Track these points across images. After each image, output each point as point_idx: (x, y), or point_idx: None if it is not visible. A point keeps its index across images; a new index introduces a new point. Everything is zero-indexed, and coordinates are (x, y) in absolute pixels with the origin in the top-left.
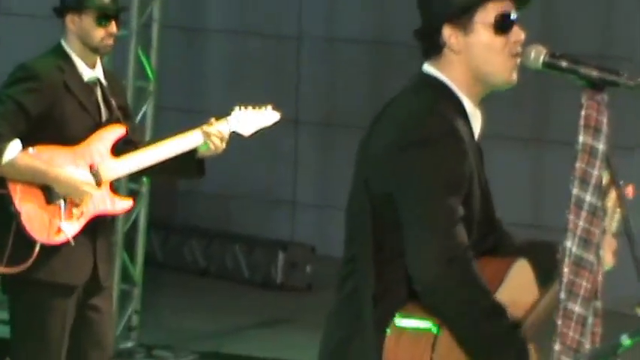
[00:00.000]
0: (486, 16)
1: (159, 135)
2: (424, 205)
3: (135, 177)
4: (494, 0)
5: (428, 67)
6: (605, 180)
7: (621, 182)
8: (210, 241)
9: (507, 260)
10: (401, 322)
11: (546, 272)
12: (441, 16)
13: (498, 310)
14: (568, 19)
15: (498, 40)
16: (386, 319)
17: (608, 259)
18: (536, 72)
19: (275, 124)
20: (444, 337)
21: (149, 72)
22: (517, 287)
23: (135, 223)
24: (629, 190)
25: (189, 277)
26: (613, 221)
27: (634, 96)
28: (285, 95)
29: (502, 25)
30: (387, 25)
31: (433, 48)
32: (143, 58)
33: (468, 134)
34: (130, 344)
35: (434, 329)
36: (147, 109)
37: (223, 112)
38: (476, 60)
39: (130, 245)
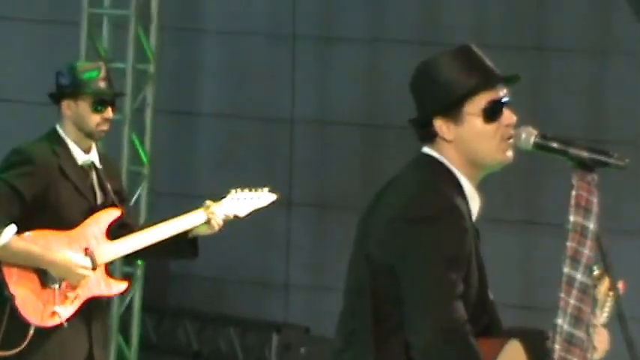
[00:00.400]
0: (476, 106)
1: (152, 219)
2: (425, 278)
3: (129, 260)
4: (482, 92)
5: (427, 149)
6: (597, 271)
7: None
8: (203, 324)
9: (500, 340)
10: None
11: (537, 358)
12: (431, 109)
13: None
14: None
15: (489, 127)
16: None
17: (600, 350)
18: (527, 155)
19: (270, 204)
20: None
21: (143, 156)
22: None
23: (129, 306)
24: (620, 286)
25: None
26: (604, 312)
27: (635, 180)
28: (277, 177)
29: (492, 114)
30: (378, 107)
31: (427, 136)
32: (137, 143)
33: (467, 214)
34: None
35: None
36: (141, 192)
37: (215, 196)
38: (468, 147)
39: (124, 328)
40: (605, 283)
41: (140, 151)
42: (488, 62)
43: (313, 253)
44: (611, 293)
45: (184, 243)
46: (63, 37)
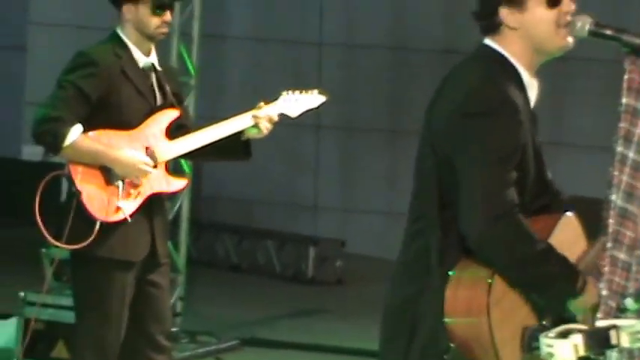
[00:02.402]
0: None
1: None
2: (477, 168)
3: (179, 164)
4: None
5: (488, 41)
6: None
7: None
8: (241, 238)
9: (555, 216)
10: (456, 275)
11: (592, 226)
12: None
13: (547, 253)
14: None
15: (551, 14)
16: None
17: None
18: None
19: (320, 105)
20: (498, 282)
21: (190, 67)
22: (564, 240)
23: (178, 213)
24: None
25: (222, 272)
26: None
27: None
28: None
29: (553, 0)
30: (405, 31)
31: (492, 26)
32: (185, 54)
33: (524, 102)
34: (174, 329)
35: (488, 278)
36: (189, 103)
37: None
38: (532, 34)
39: (172, 235)
40: None
41: (188, 62)
42: None
43: (341, 175)
44: None
45: (238, 144)
46: None
